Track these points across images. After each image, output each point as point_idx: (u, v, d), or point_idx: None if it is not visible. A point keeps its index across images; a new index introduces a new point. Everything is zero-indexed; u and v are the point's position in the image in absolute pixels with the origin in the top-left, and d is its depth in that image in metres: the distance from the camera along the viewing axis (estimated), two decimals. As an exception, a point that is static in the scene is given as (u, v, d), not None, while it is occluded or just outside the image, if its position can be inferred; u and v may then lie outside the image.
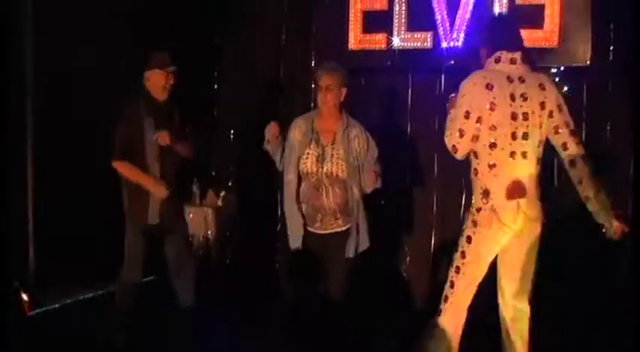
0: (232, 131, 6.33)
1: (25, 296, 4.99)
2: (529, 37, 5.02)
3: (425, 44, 5.40)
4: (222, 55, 6.31)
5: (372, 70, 5.62)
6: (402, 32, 5.47)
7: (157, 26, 5.70)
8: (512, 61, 3.46)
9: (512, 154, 3.41)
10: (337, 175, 4.16)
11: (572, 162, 3.49)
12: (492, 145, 3.41)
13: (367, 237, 4.29)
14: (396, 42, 5.49)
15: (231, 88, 5.98)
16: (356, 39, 5.64)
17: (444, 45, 5.30)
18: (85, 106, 5.26)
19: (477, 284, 3.61)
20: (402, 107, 5.67)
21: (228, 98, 6.04)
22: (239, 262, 6.03)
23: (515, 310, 3.64)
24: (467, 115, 3.38)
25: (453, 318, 3.66)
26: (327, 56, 5.53)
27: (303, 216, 4.22)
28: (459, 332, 3.68)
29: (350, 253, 4.21)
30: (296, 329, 4.39)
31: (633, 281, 3.94)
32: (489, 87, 3.37)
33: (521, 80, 3.42)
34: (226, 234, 6.07)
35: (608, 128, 4.96)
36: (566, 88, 5.11)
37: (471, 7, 5.22)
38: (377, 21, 5.57)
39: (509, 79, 3.41)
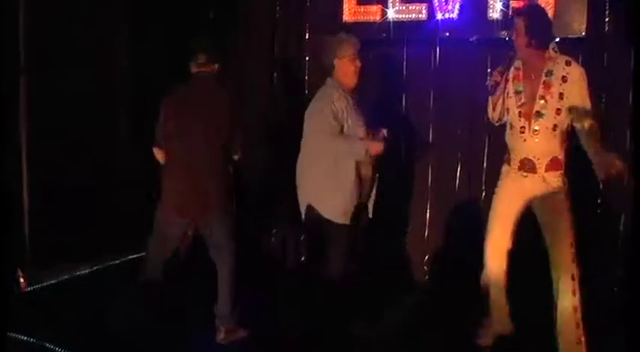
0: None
1: (21, 273, 5.01)
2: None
3: (420, 16, 5.36)
4: (216, 29, 6.24)
5: (366, 42, 5.55)
6: (397, 4, 5.42)
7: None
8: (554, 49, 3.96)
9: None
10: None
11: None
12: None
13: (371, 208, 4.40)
14: (391, 14, 5.44)
15: (225, 61, 5.92)
16: (350, 11, 5.58)
17: (439, 16, 5.26)
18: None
19: (508, 223, 4.01)
20: (397, 79, 5.64)
21: (223, 72, 5.99)
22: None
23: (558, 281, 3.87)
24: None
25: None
26: (322, 28, 5.52)
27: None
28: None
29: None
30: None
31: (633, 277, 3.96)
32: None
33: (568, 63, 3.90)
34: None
35: (604, 100, 4.93)
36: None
37: (465, -21, 5.17)
38: (371, -7, 5.52)
39: None
